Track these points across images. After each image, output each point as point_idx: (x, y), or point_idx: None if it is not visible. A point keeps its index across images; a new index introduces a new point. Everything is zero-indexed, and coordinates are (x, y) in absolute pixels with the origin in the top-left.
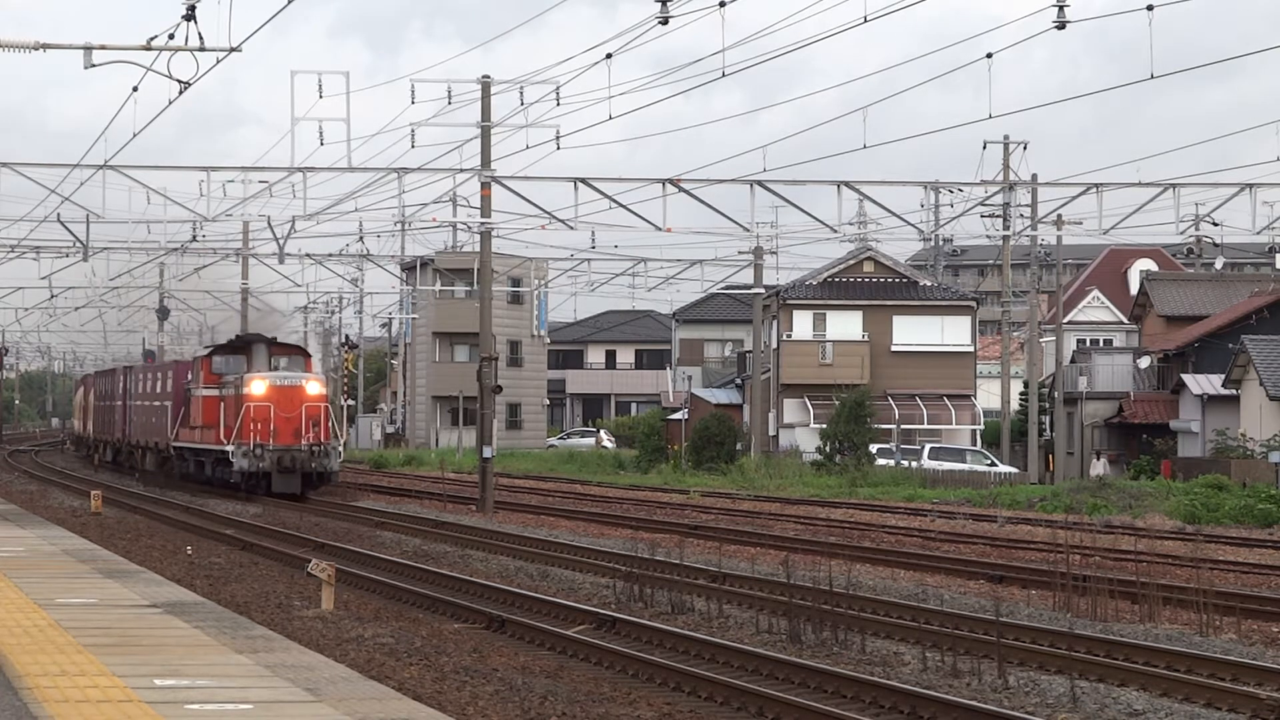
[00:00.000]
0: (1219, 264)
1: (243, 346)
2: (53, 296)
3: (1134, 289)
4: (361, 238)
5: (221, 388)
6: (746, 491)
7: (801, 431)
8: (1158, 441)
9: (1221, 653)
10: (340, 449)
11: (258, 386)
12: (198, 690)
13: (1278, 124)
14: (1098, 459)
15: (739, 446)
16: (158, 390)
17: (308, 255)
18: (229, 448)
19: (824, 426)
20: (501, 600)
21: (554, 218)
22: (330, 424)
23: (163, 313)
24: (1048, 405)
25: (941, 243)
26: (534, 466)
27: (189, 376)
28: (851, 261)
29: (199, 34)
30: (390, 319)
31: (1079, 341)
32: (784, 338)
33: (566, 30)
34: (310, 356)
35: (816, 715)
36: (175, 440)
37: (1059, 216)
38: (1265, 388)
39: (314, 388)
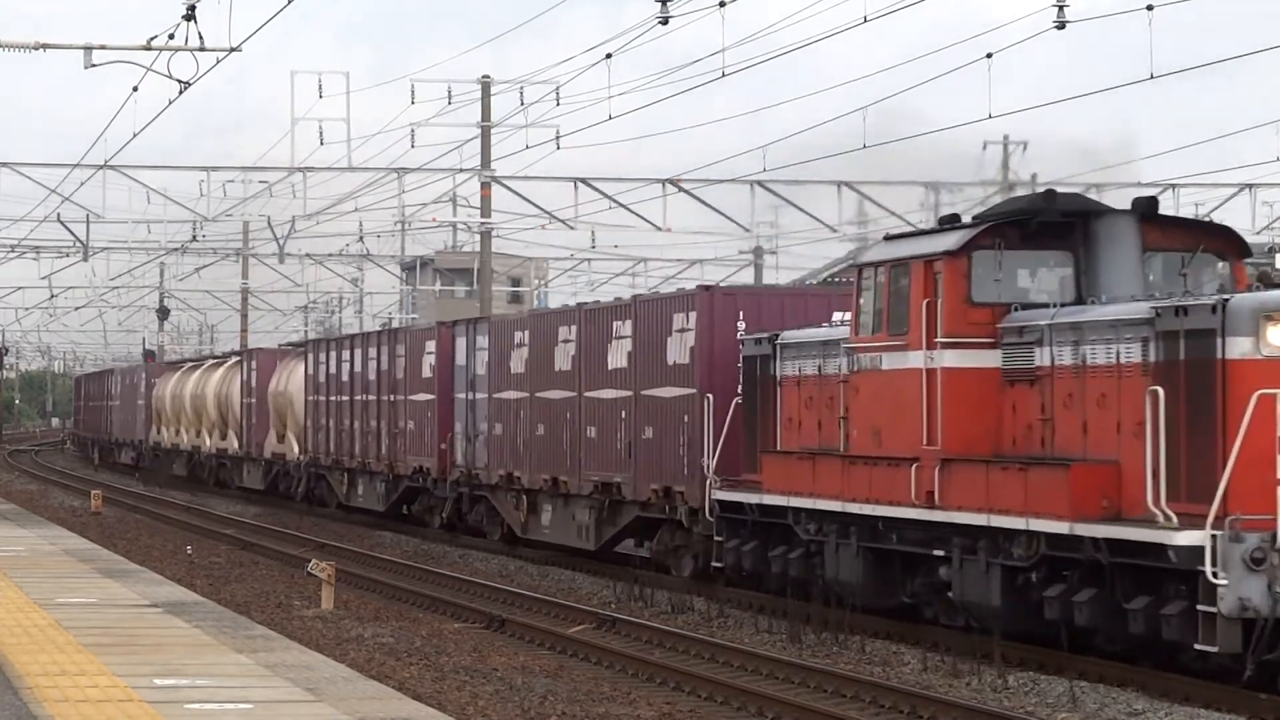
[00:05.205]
0: None
1: (1059, 224)
2: (53, 296)
3: None
4: (361, 238)
5: (1038, 347)
6: None
7: None
8: None
9: None
10: None
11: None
12: (198, 690)
13: (1278, 124)
14: None
15: None
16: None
17: (308, 255)
18: (1195, 539)
19: None
20: (501, 600)
21: (554, 217)
22: None
23: (163, 313)
24: None
25: None
26: None
27: (737, 339)
28: (852, 261)
29: (199, 34)
30: (390, 319)
31: None
32: None
33: (573, 30)
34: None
35: (816, 715)
36: (724, 487)
37: None
38: None
39: None
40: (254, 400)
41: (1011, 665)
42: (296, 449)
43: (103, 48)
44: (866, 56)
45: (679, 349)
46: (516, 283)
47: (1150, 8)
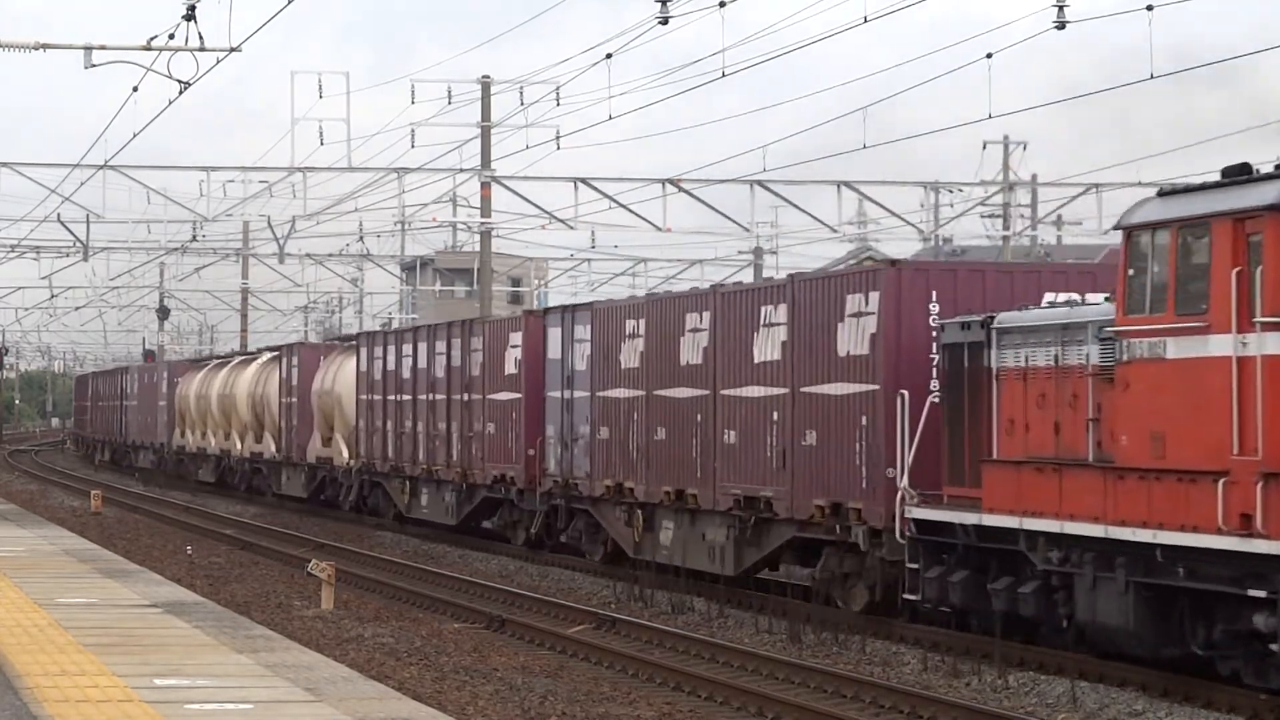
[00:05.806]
0: None
1: None
2: (53, 296)
3: None
4: (361, 238)
5: None
6: None
7: None
8: None
9: None
10: None
11: None
12: (198, 690)
13: (1278, 124)
14: None
15: None
16: None
17: (308, 255)
18: None
19: None
20: (501, 600)
21: (554, 217)
22: None
23: (163, 313)
24: None
25: (941, 243)
26: None
27: None
28: (851, 261)
29: (199, 34)
30: (390, 319)
31: None
32: None
33: (573, 30)
34: None
35: (816, 715)
36: (920, 503)
37: (1059, 217)
38: None
39: None
40: (295, 400)
41: (1011, 665)
42: (346, 454)
43: (103, 48)
44: (866, 57)
45: (854, 337)
46: (516, 283)
47: (1150, 8)
